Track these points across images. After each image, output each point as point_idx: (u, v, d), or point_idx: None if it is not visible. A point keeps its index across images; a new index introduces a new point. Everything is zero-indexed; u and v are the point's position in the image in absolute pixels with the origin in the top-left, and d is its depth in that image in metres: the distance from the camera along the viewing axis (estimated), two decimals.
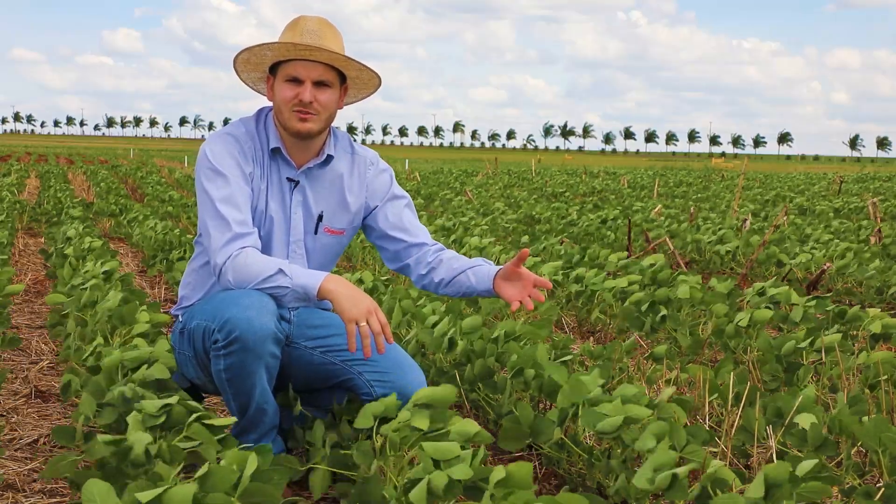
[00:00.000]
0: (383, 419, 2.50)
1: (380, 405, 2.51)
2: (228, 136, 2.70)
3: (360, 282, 4.92)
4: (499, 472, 2.00)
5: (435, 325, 3.66)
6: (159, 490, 1.81)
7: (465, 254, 7.19)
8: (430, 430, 2.33)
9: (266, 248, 2.73)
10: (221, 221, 2.61)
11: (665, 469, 2.17)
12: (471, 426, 2.30)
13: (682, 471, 2.14)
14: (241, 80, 2.79)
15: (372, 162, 2.88)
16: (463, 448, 2.19)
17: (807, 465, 2.00)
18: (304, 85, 2.64)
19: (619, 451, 2.52)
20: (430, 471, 2.08)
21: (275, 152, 2.74)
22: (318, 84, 2.65)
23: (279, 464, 2.47)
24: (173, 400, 2.41)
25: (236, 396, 2.58)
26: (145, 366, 2.85)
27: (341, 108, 2.77)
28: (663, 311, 4.37)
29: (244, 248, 2.59)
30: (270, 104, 2.77)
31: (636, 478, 2.18)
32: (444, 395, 2.45)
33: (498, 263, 6.66)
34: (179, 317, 2.79)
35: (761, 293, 4.79)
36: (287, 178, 2.76)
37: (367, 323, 2.51)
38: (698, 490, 2.14)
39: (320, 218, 2.81)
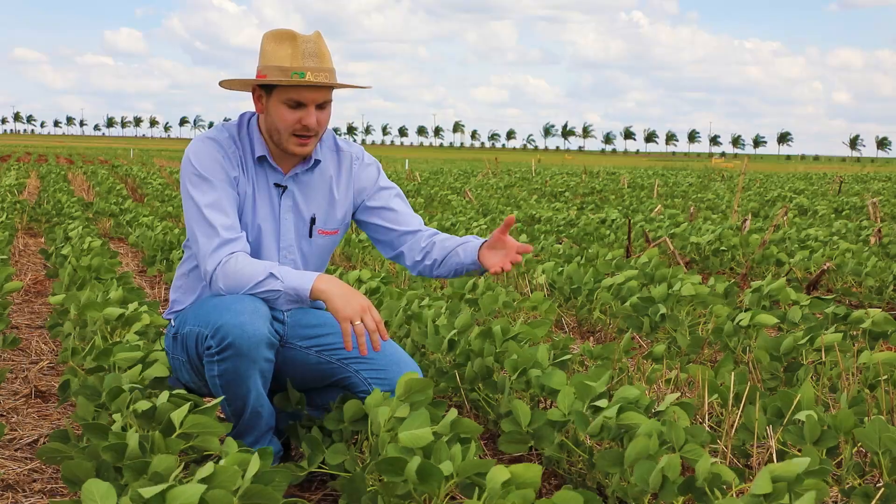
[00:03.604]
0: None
1: (356, 405, 2.51)
2: (212, 142, 2.68)
3: (359, 281, 4.93)
4: (501, 473, 1.99)
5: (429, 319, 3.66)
6: (163, 486, 1.80)
7: None
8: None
9: (257, 255, 2.72)
10: (209, 227, 2.60)
11: (646, 458, 2.18)
12: (451, 414, 2.30)
13: (669, 464, 2.14)
14: (221, 85, 2.75)
15: (357, 157, 2.87)
16: (462, 441, 2.20)
17: (803, 462, 1.99)
18: (309, 109, 2.61)
19: (618, 451, 2.51)
20: (405, 459, 2.09)
21: (260, 160, 2.72)
22: (319, 105, 2.64)
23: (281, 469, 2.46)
24: (164, 396, 2.41)
25: (231, 401, 2.58)
26: (140, 365, 2.86)
27: None
28: (663, 310, 4.37)
29: (233, 253, 2.58)
30: (252, 109, 2.74)
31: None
32: (420, 384, 2.45)
33: None
34: (172, 321, 2.79)
35: (756, 291, 4.79)
36: (275, 183, 2.74)
37: (362, 321, 2.50)
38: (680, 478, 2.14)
39: (313, 221, 2.80)
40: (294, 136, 2.64)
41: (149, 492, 1.79)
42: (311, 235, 2.81)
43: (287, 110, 2.61)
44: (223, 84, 2.73)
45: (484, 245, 2.73)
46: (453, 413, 2.33)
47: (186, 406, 2.32)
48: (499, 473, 1.98)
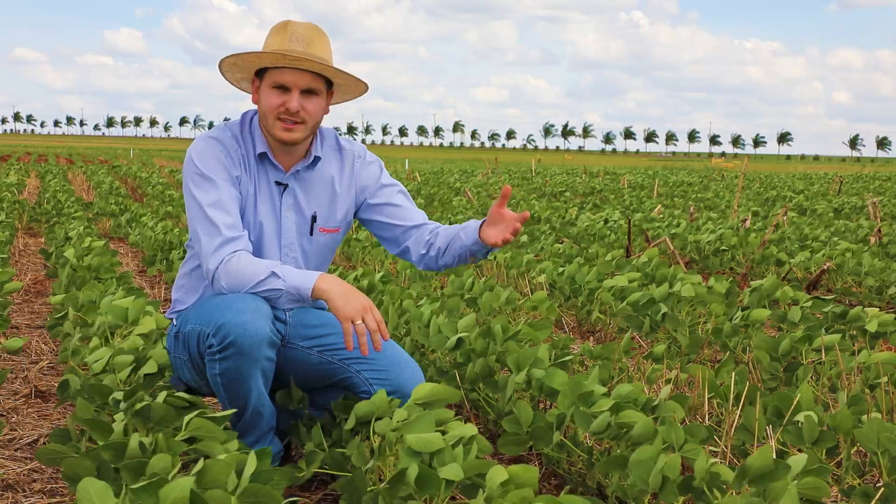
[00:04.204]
0: (378, 417, 2.50)
1: (369, 405, 2.51)
2: (214, 141, 2.69)
3: (357, 280, 4.93)
4: (500, 474, 1.98)
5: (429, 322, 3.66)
6: (152, 480, 1.80)
7: None
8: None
9: (258, 253, 2.72)
10: (211, 226, 2.60)
11: (650, 460, 2.18)
12: (469, 429, 2.29)
13: (669, 464, 2.14)
14: (226, 79, 2.77)
15: (359, 155, 2.88)
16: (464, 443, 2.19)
17: (801, 459, 2.00)
18: (292, 93, 2.62)
19: (617, 451, 2.52)
20: (413, 463, 2.08)
21: (262, 157, 2.73)
22: (306, 92, 2.64)
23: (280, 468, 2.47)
24: (165, 396, 2.41)
25: (232, 400, 2.58)
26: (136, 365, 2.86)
27: (327, 112, 2.77)
28: (664, 309, 4.36)
29: (235, 251, 2.59)
30: (255, 108, 2.75)
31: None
32: (445, 393, 2.45)
33: (496, 260, 6.66)
34: (174, 320, 2.79)
35: (755, 291, 4.80)
36: (276, 181, 2.75)
37: (363, 320, 2.50)
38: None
39: (314, 219, 2.81)
40: (279, 120, 2.64)
41: (140, 487, 1.79)
42: (311, 233, 2.81)
43: (273, 94, 2.63)
44: (225, 66, 2.70)
45: (484, 223, 2.72)
46: (473, 429, 2.31)
47: (195, 413, 2.32)
48: (497, 474, 1.98)
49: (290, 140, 2.67)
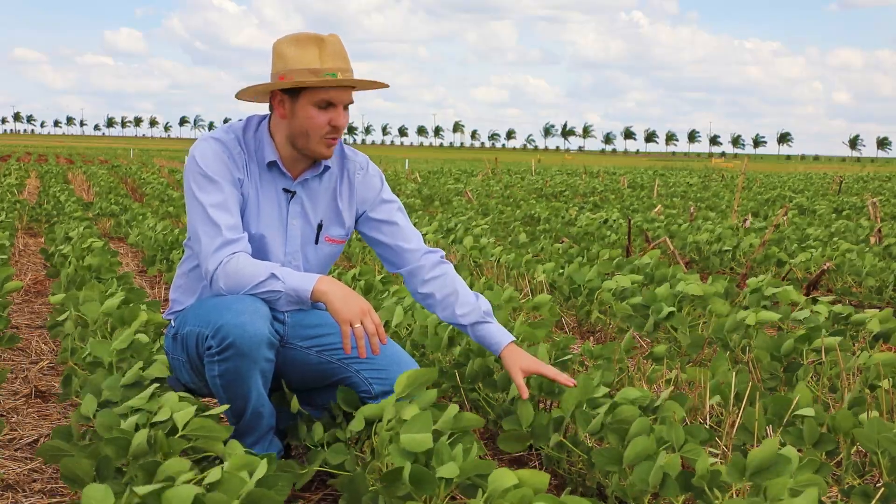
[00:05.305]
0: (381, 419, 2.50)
1: (375, 408, 2.51)
2: (217, 142, 2.68)
3: (354, 279, 4.92)
4: (508, 478, 1.95)
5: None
6: (158, 486, 1.80)
7: (465, 255, 7.17)
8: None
9: (261, 259, 2.71)
10: (212, 227, 2.59)
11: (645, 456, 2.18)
12: (452, 409, 2.29)
13: (669, 463, 2.14)
14: (238, 97, 2.75)
15: (361, 166, 2.87)
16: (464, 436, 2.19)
17: (790, 450, 1.99)
18: (339, 110, 2.63)
19: (616, 449, 2.51)
20: (403, 463, 2.09)
21: (270, 165, 2.72)
22: (344, 106, 2.67)
23: (282, 469, 2.46)
24: (167, 396, 2.41)
25: (232, 401, 2.57)
26: (142, 362, 2.86)
27: None
28: (667, 309, 4.35)
29: (235, 253, 2.58)
30: (260, 114, 2.74)
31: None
32: (423, 375, 2.45)
33: (499, 264, 6.65)
34: (172, 321, 2.78)
35: (755, 291, 4.79)
36: (284, 188, 2.74)
37: (362, 324, 2.50)
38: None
39: (320, 227, 2.80)
40: (325, 138, 2.65)
41: (143, 490, 1.78)
42: (317, 242, 2.80)
43: (317, 112, 2.62)
44: (241, 95, 2.71)
45: (509, 350, 2.81)
46: (455, 408, 2.32)
47: (192, 409, 2.32)
48: (504, 477, 1.95)
49: (330, 154, 2.70)
